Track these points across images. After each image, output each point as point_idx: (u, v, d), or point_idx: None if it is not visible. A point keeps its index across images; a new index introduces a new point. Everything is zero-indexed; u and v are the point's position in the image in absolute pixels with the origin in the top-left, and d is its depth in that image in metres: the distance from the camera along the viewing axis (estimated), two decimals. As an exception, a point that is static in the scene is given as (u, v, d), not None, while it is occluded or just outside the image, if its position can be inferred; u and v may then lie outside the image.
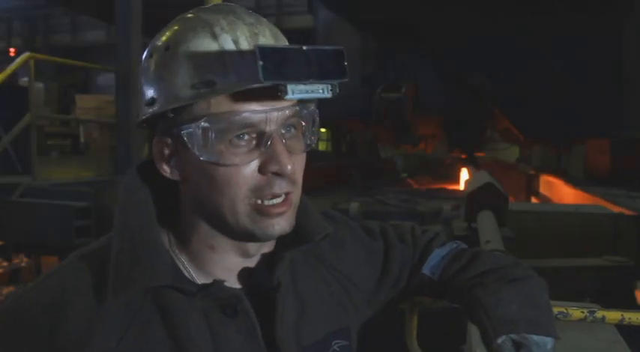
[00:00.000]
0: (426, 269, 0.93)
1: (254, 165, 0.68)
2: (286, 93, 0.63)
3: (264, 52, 0.62)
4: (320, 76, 0.65)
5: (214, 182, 0.68)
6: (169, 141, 0.70)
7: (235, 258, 0.75)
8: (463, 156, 5.32)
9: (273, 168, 0.68)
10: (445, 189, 4.99)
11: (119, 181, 0.76)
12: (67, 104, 10.26)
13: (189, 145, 0.67)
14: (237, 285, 0.75)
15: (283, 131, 0.70)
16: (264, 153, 0.68)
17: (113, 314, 0.68)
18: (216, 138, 0.67)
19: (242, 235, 0.72)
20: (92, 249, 0.75)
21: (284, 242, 0.77)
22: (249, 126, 0.67)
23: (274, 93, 0.64)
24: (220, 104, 0.67)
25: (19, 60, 4.32)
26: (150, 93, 0.70)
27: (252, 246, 0.74)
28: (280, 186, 0.69)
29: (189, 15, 0.71)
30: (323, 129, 8.35)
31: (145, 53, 0.72)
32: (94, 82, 14.66)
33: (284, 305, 0.75)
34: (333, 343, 0.81)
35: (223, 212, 0.69)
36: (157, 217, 0.74)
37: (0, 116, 5.07)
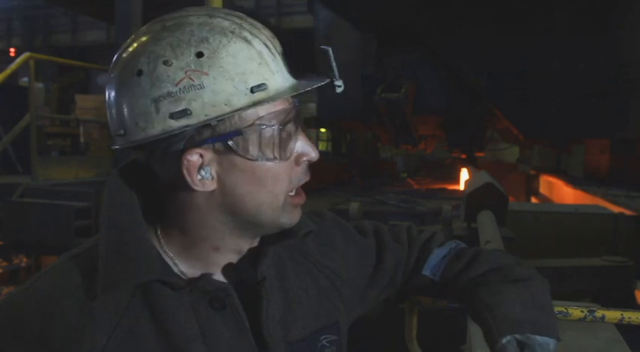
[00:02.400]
0: (426, 270, 0.94)
1: (293, 157, 0.74)
2: (340, 87, 0.72)
3: (330, 53, 0.71)
4: (340, 74, 0.73)
5: (263, 181, 0.71)
6: (203, 151, 0.68)
7: (231, 255, 0.77)
8: (463, 156, 5.32)
9: (308, 157, 0.74)
10: (445, 189, 4.99)
11: (106, 182, 0.76)
12: (67, 104, 10.26)
13: (240, 150, 0.68)
14: (224, 280, 0.76)
15: None
16: (296, 146, 0.74)
17: (103, 311, 0.68)
18: (270, 138, 0.70)
19: (270, 227, 0.76)
20: (81, 249, 0.75)
21: (268, 238, 0.79)
22: (287, 123, 0.71)
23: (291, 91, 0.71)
24: (265, 106, 0.69)
25: (19, 60, 4.32)
26: (174, 105, 0.64)
27: (247, 244, 0.77)
28: (308, 174, 0.76)
29: (199, 19, 0.68)
30: (323, 130, 8.35)
31: (143, 61, 0.66)
32: (94, 82, 14.67)
33: (269, 300, 0.76)
34: (322, 338, 0.82)
35: (264, 209, 0.72)
36: (143, 216, 0.74)
37: (0, 116, 5.07)
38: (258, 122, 0.68)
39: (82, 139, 8.12)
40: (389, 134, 4.87)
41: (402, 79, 4.38)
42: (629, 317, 1.03)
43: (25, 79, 5.59)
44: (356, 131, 6.83)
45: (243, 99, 0.66)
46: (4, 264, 4.90)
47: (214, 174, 0.69)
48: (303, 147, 0.74)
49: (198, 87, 0.64)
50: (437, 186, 5.20)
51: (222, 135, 0.67)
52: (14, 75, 4.53)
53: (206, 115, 0.65)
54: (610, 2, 3.75)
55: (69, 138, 8.81)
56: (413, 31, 4.15)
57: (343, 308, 0.88)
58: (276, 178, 0.71)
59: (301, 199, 0.76)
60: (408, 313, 1.24)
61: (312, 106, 8.02)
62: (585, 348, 0.99)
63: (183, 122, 0.65)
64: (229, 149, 0.68)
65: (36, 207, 3.58)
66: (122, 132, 0.68)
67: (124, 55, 0.68)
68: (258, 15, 12.43)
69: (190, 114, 0.64)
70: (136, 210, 0.73)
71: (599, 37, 3.73)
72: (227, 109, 0.65)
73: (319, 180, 4.49)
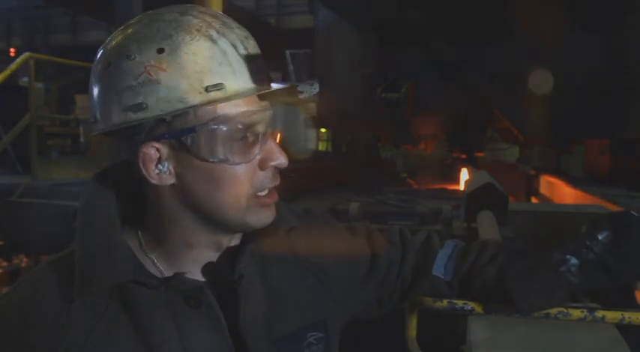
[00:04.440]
0: (436, 271, 0.94)
1: (256, 161, 0.72)
2: (302, 92, 0.70)
3: (293, 56, 0.69)
4: (312, 76, 0.72)
5: (219, 181, 0.70)
6: (160, 146, 0.70)
7: (209, 252, 0.77)
8: (463, 156, 5.32)
9: (274, 162, 0.73)
10: (445, 189, 4.98)
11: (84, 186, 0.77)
12: (67, 104, 10.27)
13: (194, 148, 0.69)
14: (202, 279, 0.77)
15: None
16: (262, 150, 0.73)
17: (80, 314, 0.70)
18: (226, 139, 0.69)
19: (238, 227, 0.75)
20: (61, 254, 0.76)
21: (248, 236, 0.80)
22: (252, 125, 0.71)
23: (262, 95, 0.71)
24: (225, 106, 0.69)
25: (19, 60, 4.32)
26: (133, 98, 0.67)
27: (225, 240, 0.77)
28: (276, 179, 0.75)
29: (170, 16, 0.70)
30: (323, 130, 8.36)
31: (113, 54, 0.69)
32: (94, 82, 14.65)
33: (247, 298, 0.76)
34: (309, 335, 0.82)
35: (225, 209, 0.72)
36: (124, 218, 0.76)
37: (0, 116, 5.07)
38: (212, 122, 0.68)
39: (82, 139, 8.13)
40: (389, 134, 4.88)
41: (402, 79, 4.39)
42: (629, 317, 1.03)
43: (25, 79, 5.59)
44: (356, 131, 6.83)
45: (197, 97, 0.67)
46: (4, 263, 4.90)
47: (172, 170, 0.71)
48: (270, 152, 0.73)
49: (155, 82, 0.66)
50: (437, 186, 5.19)
51: (176, 132, 0.69)
52: (14, 75, 4.53)
53: (161, 110, 0.67)
54: (610, 2, 3.75)
55: (69, 138, 8.81)
56: (413, 31, 4.16)
57: (333, 305, 0.88)
58: (234, 180, 0.71)
59: (272, 198, 0.76)
60: (408, 313, 1.24)
61: (312, 106, 8.03)
62: (585, 348, 0.99)
63: (140, 115, 0.67)
64: (184, 146, 0.69)
65: (36, 207, 3.58)
66: (93, 119, 0.71)
67: (103, 47, 0.71)
68: (258, 15, 12.43)
69: (146, 107, 0.67)
70: (111, 213, 0.74)
71: (599, 37, 3.73)
72: (180, 106, 0.67)
73: (319, 180, 4.49)
